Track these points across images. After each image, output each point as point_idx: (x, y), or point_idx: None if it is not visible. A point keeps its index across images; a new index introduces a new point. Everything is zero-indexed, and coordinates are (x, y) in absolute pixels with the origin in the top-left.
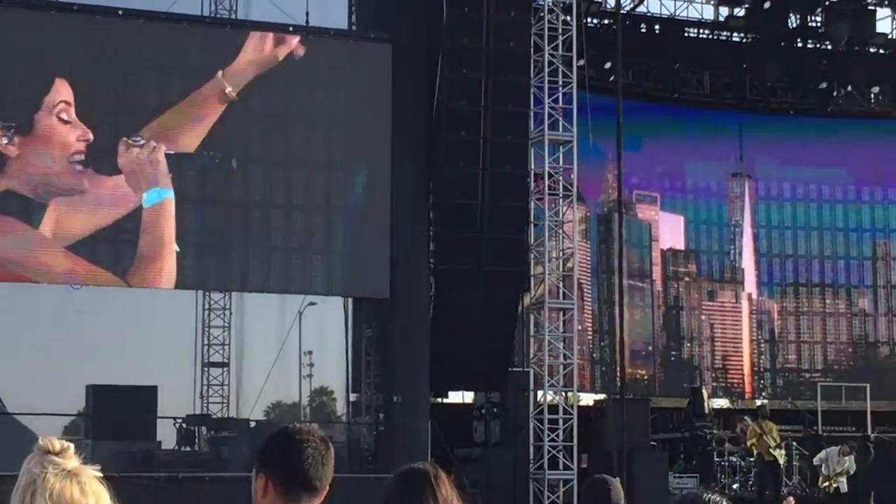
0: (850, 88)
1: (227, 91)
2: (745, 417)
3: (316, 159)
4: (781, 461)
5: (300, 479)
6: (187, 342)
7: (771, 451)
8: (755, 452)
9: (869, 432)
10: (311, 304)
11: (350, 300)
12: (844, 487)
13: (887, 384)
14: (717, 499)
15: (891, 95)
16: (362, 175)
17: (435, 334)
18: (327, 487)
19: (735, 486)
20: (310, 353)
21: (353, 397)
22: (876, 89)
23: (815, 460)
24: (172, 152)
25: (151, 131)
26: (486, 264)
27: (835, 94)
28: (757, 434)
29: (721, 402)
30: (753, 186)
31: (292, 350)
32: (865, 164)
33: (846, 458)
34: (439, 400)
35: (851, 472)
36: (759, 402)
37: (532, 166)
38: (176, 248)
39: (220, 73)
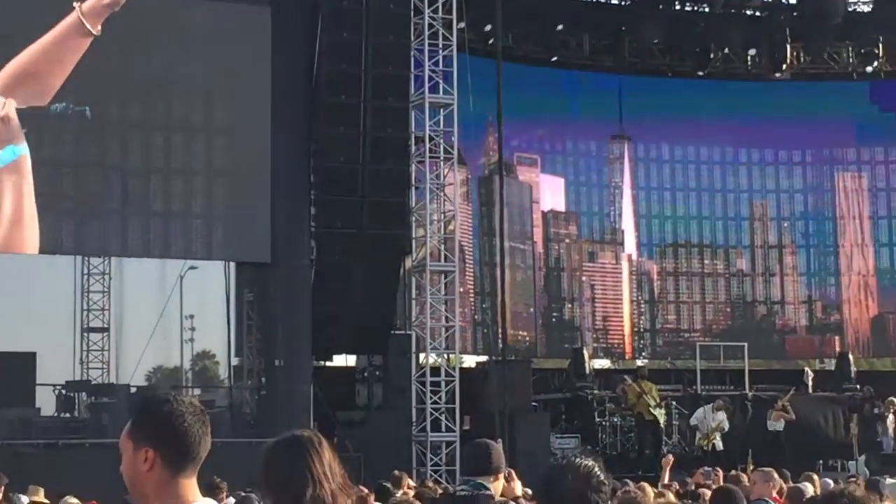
0: (727, 51)
1: (86, 27)
2: (626, 378)
3: (195, 123)
4: (661, 420)
5: (190, 453)
6: (66, 308)
7: (651, 410)
8: (635, 412)
9: (746, 391)
10: (192, 268)
11: (231, 264)
12: (720, 445)
13: (764, 343)
14: (590, 463)
15: (767, 58)
16: (242, 139)
17: (317, 298)
18: (205, 455)
19: (616, 446)
20: (191, 317)
21: (235, 361)
22: (753, 52)
23: (692, 420)
24: (24, 106)
25: (2, 82)
26: (368, 227)
27: (712, 56)
28: (637, 394)
29: (602, 363)
30: (633, 148)
31: (173, 315)
32: (742, 126)
33: (719, 412)
34: (322, 363)
35: (725, 429)
36: (639, 363)
37: (413, 129)
38: (35, 210)
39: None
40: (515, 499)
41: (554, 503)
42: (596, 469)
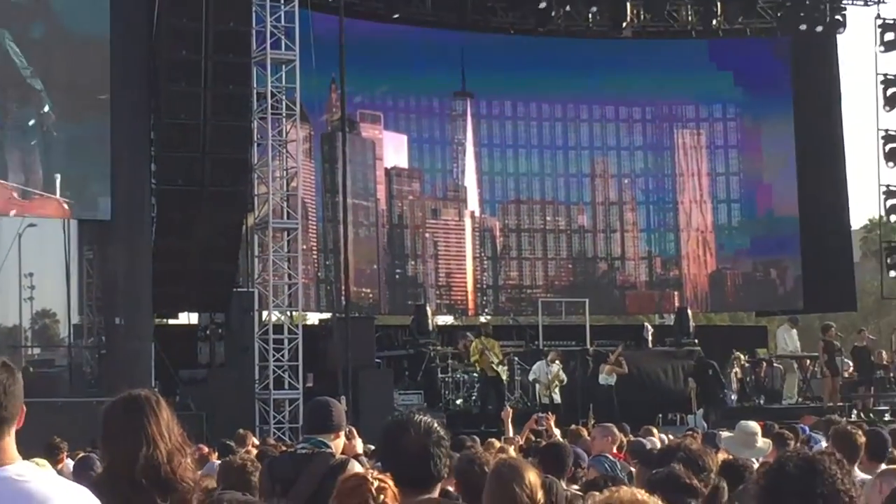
0: (568, 8)
1: None
2: (468, 334)
3: (31, 83)
4: (504, 376)
5: None
6: None
7: (493, 366)
8: (478, 368)
9: (588, 346)
10: (31, 225)
11: (71, 222)
12: (558, 398)
13: (605, 299)
14: (429, 419)
15: (608, 15)
16: (81, 96)
17: (158, 255)
18: (18, 415)
19: (459, 402)
20: (30, 275)
21: (75, 320)
22: (594, 9)
23: (531, 374)
24: None
25: None
26: (209, 184)
27: (553, 13)
28: (479, 350)
29: (445, 319)
30: (475, 105)
31: (11, 273)
32: (583, 83)
33: (553, 364)
34: (164, 322)
35: (564, 381)
36: (482, 319)
37: (255, 85)
38: None
39: None
40: (356, 456)
41: (394, 458)
42: (436, 425)
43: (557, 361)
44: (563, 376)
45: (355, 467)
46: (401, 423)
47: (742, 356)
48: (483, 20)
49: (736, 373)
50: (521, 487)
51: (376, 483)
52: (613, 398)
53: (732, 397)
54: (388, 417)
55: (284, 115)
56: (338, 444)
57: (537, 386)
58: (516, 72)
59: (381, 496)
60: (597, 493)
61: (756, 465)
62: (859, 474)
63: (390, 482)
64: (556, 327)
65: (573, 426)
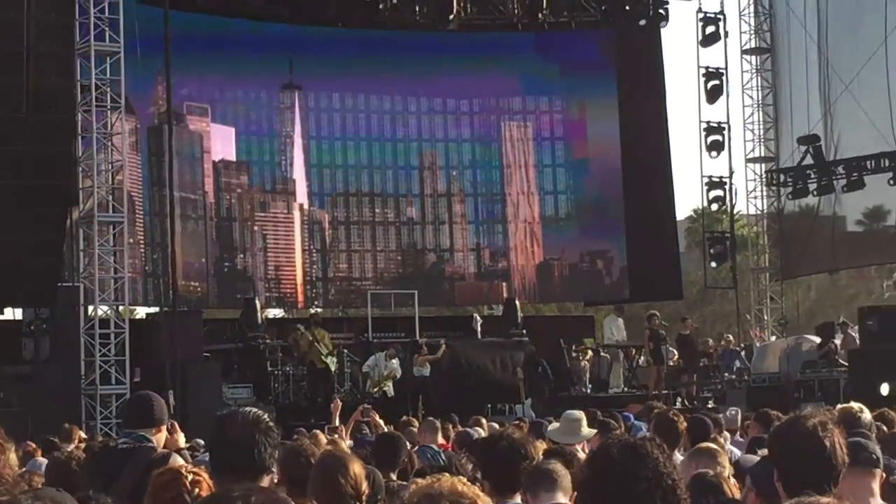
0: (395, 2)
1: None
2: (299, 326)
3: None
4: (333, 368)
5: None
6: None
7: (322, 358)
8: (307, 361)
9: (417, 337)
10: None
11: None
12: (391, 391)
13: (434, 290)
14: (257, 411)
15: (435, 8)
16: None
17: None
18: None
19: (289, 395)
20: None
21: None
22: (421, 2)
23: (364, 366)
24: None
25: None
26: (33, 178)
27: (381, 6)
28: (309, 342)
29: (275, 312)
30: (304, 98)
31: None
32: (411, 75)
33: (392, 360)
34: None
35: (398, 376)
36: (312, 311)
37: (79, 78)
38: None
39: None
40: (178, 450)
41: (223, 450)
42: (264, 416)
43: (396, 358)
44: (399, 372)
45: (177, 461)
46: (230, 415)
47: (589, 345)
48: (312, 13)
49: (585, 363)
50: (345, 479)
51: (190, 476)
52: (428, 389)
53: (585, 388)
54: (220, 410)
55: (109, 107)
56: (159, 438)
57: (368, 379)
58: (344, 64)
59: (196, 489)
60: (419, 480)
61: (580, 453)
62: (678, 457)
63: (205, 475)
64: (385, 319)
65: (404, 417)
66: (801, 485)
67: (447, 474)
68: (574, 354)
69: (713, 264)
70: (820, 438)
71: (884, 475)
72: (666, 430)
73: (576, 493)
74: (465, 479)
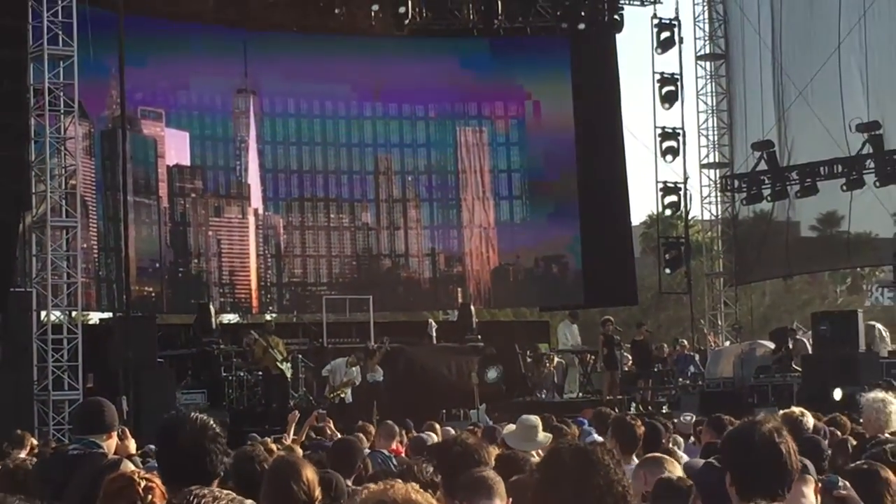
0: (350, 6)
1: None
2: (252, 332)
3: None
4: (288, 374)
5: None
6: None
7: (278, 364)
8: (262, 366)
9: (372, 343)
10: None
11: None
12: (349, 398)
13: (389, 295)
14: (204, 417)
15: (390, 12)
16: None
17: None
18: None
19: (243, 400)
20: None
21: None
22: (376, 7)
23: (324, 371)
24: None
25: None
26: None
27: (337, 11)
28: (263, 349)
29: (230, 317)
30: (259, 103)
31: None
32: (366, 81)
33: (353, 368)
34: None
35: (357, 383)
36: (267, 317)
37: (31, 81)
38: None
39: None
40: (129, 456)
41: (170, 455)
42: (211, 422)
43: (357, 366)
44: (359, 379)
45: (128, 468)
46: (176, 419)
47: (543, 350)
48: (265, 17)
49: (550, 370)
50: (297, 484)
51: (143, 483)
52: (382, 393)
53: (549, 394)
54: (164, 416)
55: (63, 111)
56: (110, 444)
57: (327, 384)
58: (299, 69)
59: (149, 496)
60: (371, 485)
61: (535, 457)
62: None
63: (158, 481)
64: (340, 324)
65: (360, 422)
66: (756, 490)
67: (400, 481)
68: (530, 360)
69: (668, 270)
70: (776, 444)
71: (819, 484)
72: (624, 435)
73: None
74: (417, 487)
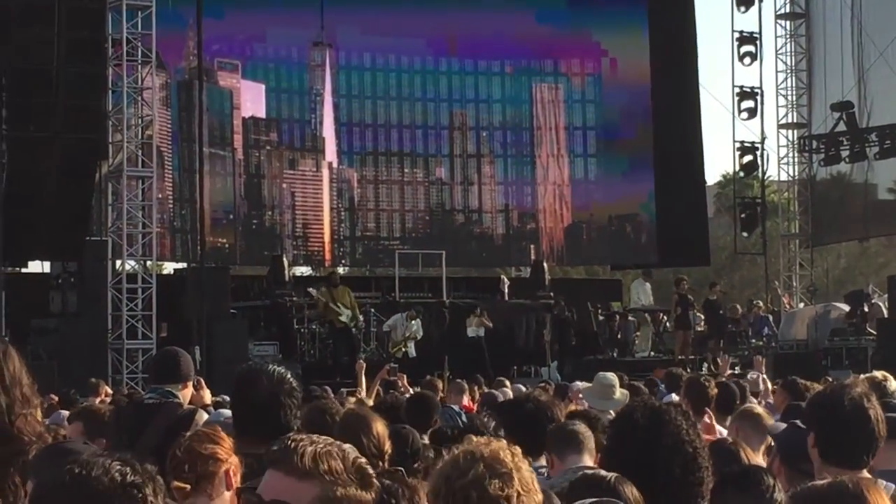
0: None
1: None
2: (312, 289)
3: None
4: (353, 327)
5: None
6: None
7: (340, 318)
8: (326, 320)
9: (444, 298)
10: None
11: None
12: (413, 352)
13: (461, 251)
14: (282, 370)
15: None
16: None
17: (8, 203)
18: None
19: (314, 353)
20: None
21: None
22: None
23: (385, 327)
24: None
25: None
26: (62, 131)
27: None
28: (324, 303)
29: (303, 270)
30: (334, 55)
31: None
32: (442, 34)
33: (413, 321)
34: (16, 270)
35: (419, 337)
36: (340, 270)
37: (110, 31)
38: None
39: None
40: (205, 406)
41: (246, 405)
42: (288, 375)
43: (417, 319)
44: (420, 333)
45: (203, 418)
46: (252, 371)
47: (616, 308)
48: None
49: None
50: (367, 438)
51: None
52: (484, 349)
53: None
54: (240, 366)
55: (140, 61)
56: (186, 393)
57: (388, 339)
58: (376, 23)
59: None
60: (473, 438)
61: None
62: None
63: (225, 442)
64: (412, 279)
65: (428, 377)
66: (841, 455)
67: (488, 438)
68: (603, 318)
69: (743, 231)
70: (865, 409)
71: None
72: (696, 395)
73: (600, 455)
74: (515, 449)
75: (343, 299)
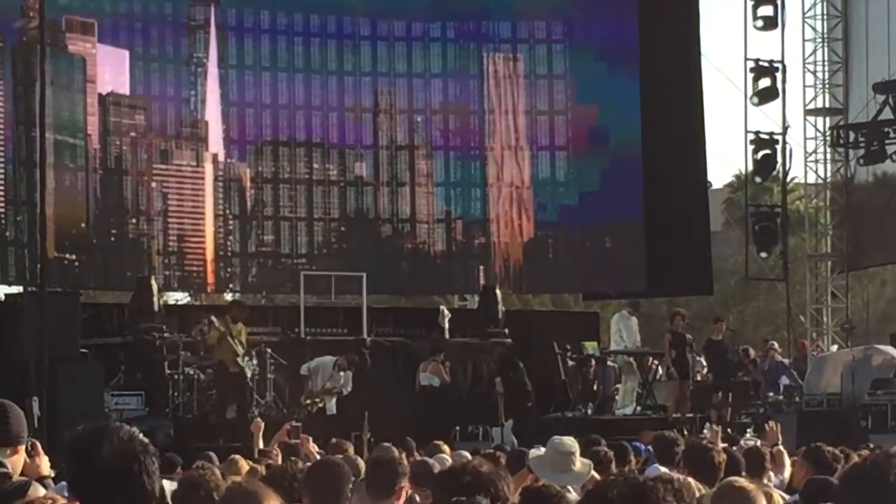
0: None
1: None
2: (212, 317)
3: None
4: (249, 373)
5: None
6: None
7: (238, 360)
8: (215, 361)
9: (365, 335)
10: None
11: None
12: (333, 409)
13: (388, 273)
14: (129, 429)
15: None
16: None
17: None
18: None
19: (192, 407)
20: None
21: None
22: None
23: (303, 369)
24: None
25: None
26: None
27: None
28: (219, 336)
29: (178, 297)
30: (222, 14)
31: None
32: None
33: (342, 373)
34: None
35: (345, 392)
36: (227, 297)
37: None
38: None
39: None
40: (41, 478)
41: (88, 475)
42: (138, 434)
43: (349, 371)
44: (350, 388)
45: (38, 492)
46: (95, 430)
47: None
48: None
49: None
50: None
51: None
52: (437, 403)
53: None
54: (78, 427)
55: None
56: (16, 461)
57: (305, 387)
58: None
59: None
60: None
61: (572, 494)
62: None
63: None
64: (324, 309)
65: (334, 440)
66: None
67: None
68: (573, 363)
69: (760, 251)
70: None
71: None
72: (700, 465)
73: None
74: None
75: (241, 336)
